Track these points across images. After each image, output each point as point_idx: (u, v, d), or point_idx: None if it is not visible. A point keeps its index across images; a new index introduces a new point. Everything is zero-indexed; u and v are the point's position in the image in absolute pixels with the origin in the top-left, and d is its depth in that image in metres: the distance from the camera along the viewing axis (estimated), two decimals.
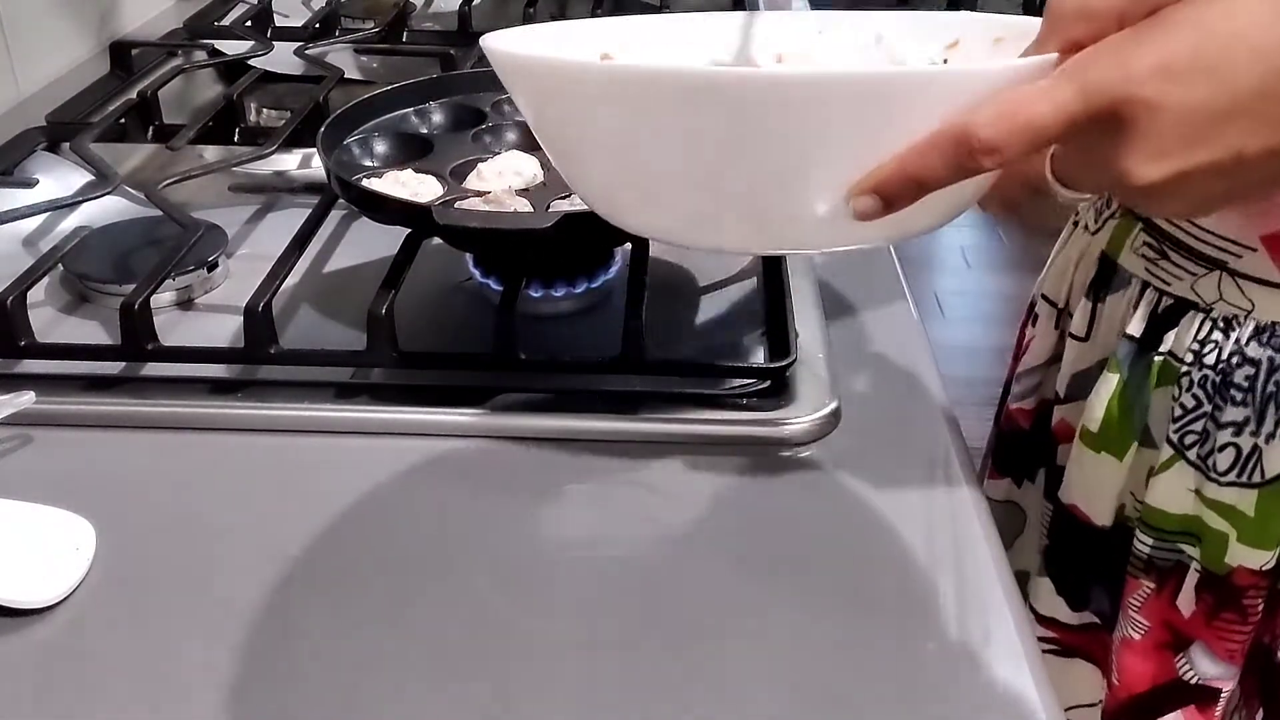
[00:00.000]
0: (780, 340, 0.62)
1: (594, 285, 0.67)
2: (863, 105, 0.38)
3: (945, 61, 0.52)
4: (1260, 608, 0.62)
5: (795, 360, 0.60)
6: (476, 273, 0.67)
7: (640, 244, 0.65)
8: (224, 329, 0.65)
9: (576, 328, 0.67)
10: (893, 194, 0.39)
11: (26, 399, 0.55)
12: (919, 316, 0.70)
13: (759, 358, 0.63)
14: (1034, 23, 0.45)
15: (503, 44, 0.45)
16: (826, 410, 0.58)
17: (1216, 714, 0.65)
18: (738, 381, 0.60)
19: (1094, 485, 0.65)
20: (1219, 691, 0.64)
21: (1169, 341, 0.60)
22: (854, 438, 0.58)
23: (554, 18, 1.22)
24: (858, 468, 0.56)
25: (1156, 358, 0.61)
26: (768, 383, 0.59)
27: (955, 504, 0.54)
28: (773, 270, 0.68)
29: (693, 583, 0.49)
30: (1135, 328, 0.62)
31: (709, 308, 0.69)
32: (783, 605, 0.48)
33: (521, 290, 0.62)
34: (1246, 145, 0.37)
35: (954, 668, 0.45)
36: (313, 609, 0.47)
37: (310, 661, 0.45)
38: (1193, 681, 0.64)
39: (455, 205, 0.63)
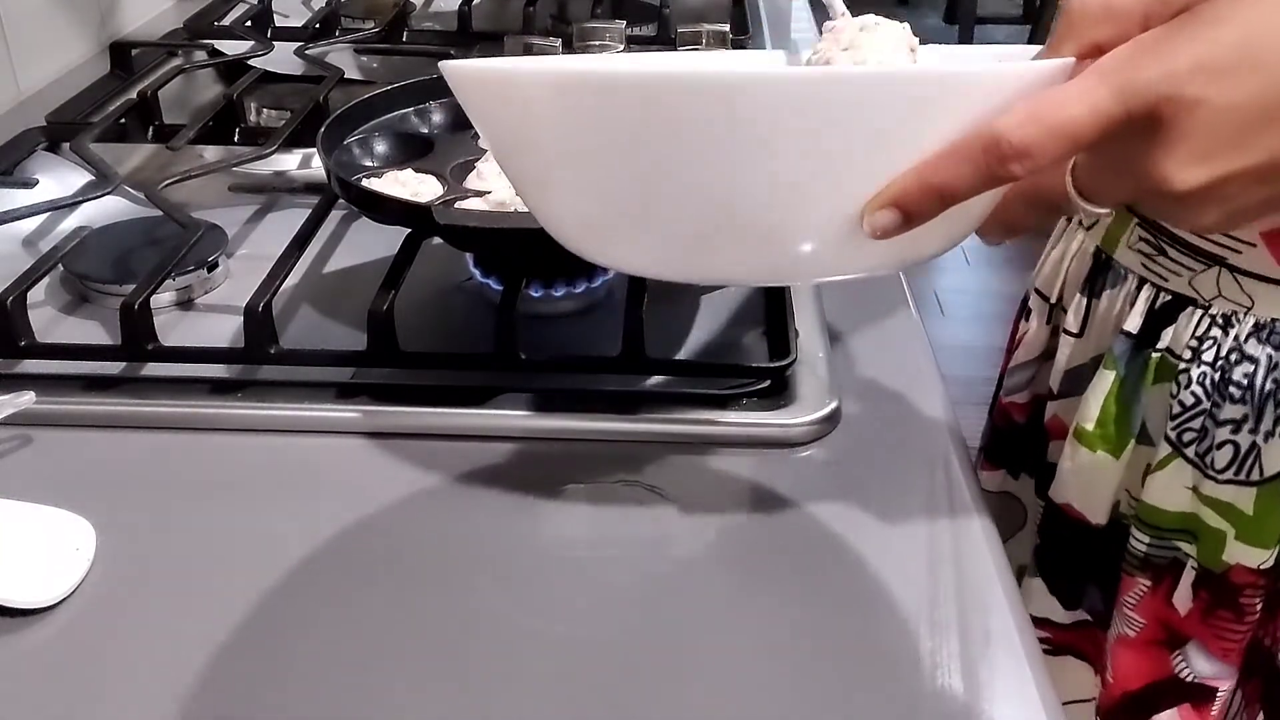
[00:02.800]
0: (780, 340, 0.62)
1: (594, 285, 0.67)
2: (876, 107, 0.35)
3: None
4: (1258, 606, 0.61)
5: (795, 360, 0.60)
6: (476, 273, 0.67)
7: None
8: (224, 329, 0.65)
9: (576, 328, 0.67)
10: (914, 207, 0.35)
11: (26, 399, 0.55)
12: (919, 316, 0.70)
13: (759, 358, 0.63)
14: (1030, 51, 0.44)
15: (461, 66, 0.41)
16: (826, 410, 0.58)
17: (1213, 713, 0.64)
18: (738, 381, 0.60)
19: (1089, 483, 0.65)
20: (1215, 690, 0.64)
21: (1167, 338, 0.60)
22: (854, 438, 0.58)
23: (554, 18, 1.22)
24: (858, 468, 0.56)
25: (1154, 354, 0.61)
26: (768, 383, 0.59)
27: (955, 504, 0.54)
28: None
29: (692, 583, 0.49)
30: (1133, 324, 0.61)
31: (709, 307, 0.69)
32: (783, 605, 0.48)
33: (521, 290, 0.62)
34: None
35: (954, 667, 0.45)
36: (312, 609, 0.47)
37: (310, 661, 0.45)
38: (1188, 679, 0.64)
39: (455, 205, 0.63)
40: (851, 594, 0.48)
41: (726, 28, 1.05)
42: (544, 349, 0.61)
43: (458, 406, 0.58)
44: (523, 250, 0.63)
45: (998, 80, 0.36)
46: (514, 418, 0.58)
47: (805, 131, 0.35)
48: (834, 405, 0.58)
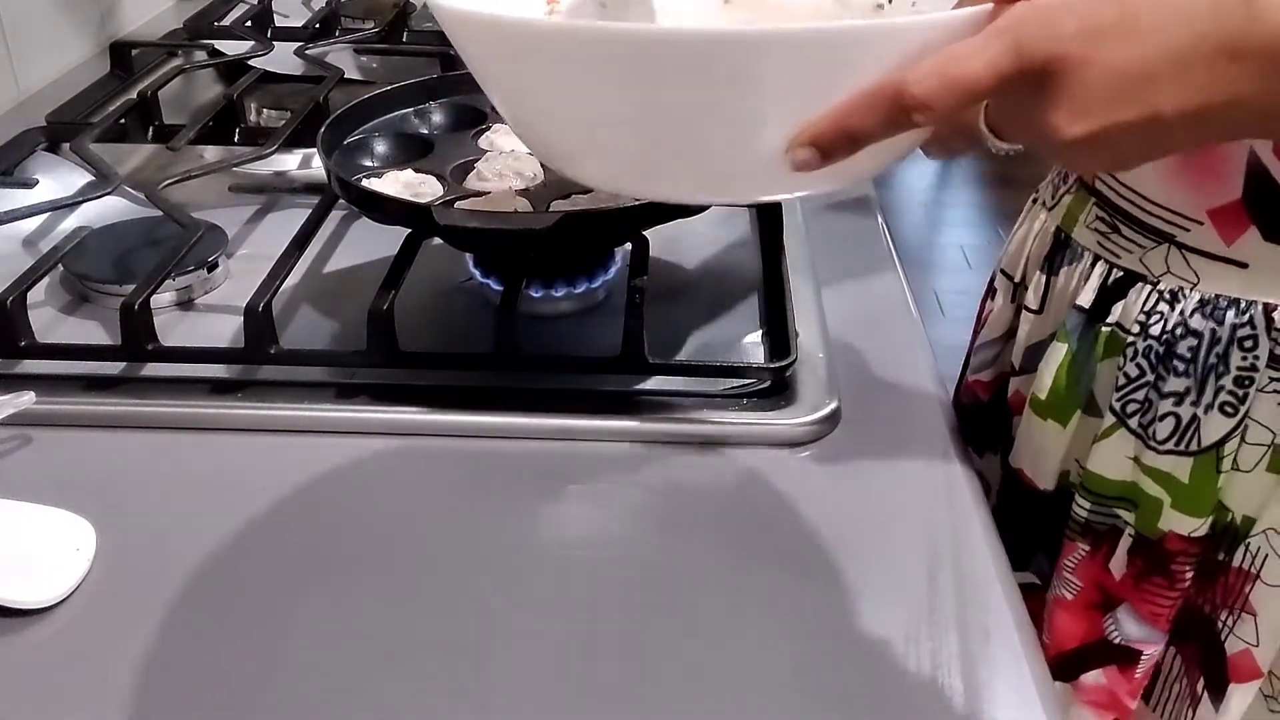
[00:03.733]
0: (780, 340, 0.62)
1: (594, 285, 0.67)
2: (800, 61, 0.40)
3: (890, 2, 0.52)
4: (1188, 575, 0.63)
5: (795, 360, 0.60)
6: (476, 273, 0.67)
7: (640, 244, 0.65)
8: (224, 329, 0.65)
9: (576, 328, 0.67)
10: (829, 147, 0.40)
11: (26, 399, 0.55)
12: (919, 316, 0.70)
13: (759, 358, 0.63)
14: None
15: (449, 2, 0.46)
16: (826, 410, 0.58)
17: (1137, 675, 0.66)
18: (738, 381, 0.60)
19: (1039, 451, 0.67)
20: (1140, 653, 0.66)
21: (1117, 312, 0.62)
22: (854, 438, 0.58)
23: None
24: (858, 467, 0.56)
25: (1104, 328, 0.62)
26: (768, 383, 0.59)
27: (954, 503, 0.54)
28: (773, 270, 0.68)
29: (692, 582, 0.49)
30: (1085, 299, 0.63)
31: (709, 308, 0.69)
32: (783, 604, 0.48)
33: (521, 290, 0.62)
34: (1163, 107, 0.38)
35: (954, 667, 0.45)
36: (312, 608, 0.47)
37: (310, 660, 0.45)
38: (1116, 642, 0.66)
39: (455, 205, 0.63)
40: (851, 593, 0.48)
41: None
42: (544, 349, 0.61)
43: (458, 406, 0.58)
44: (523, 250, 0.63)
45: (919, 32, 0.40)
46: (514, 418, 0.58)
47: (747, 81, 0.40)
48: (834, 405, 0.58)
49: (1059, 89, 0.38)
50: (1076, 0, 0.39)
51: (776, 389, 0.59)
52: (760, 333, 0.65)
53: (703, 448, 0.57)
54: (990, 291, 0.76)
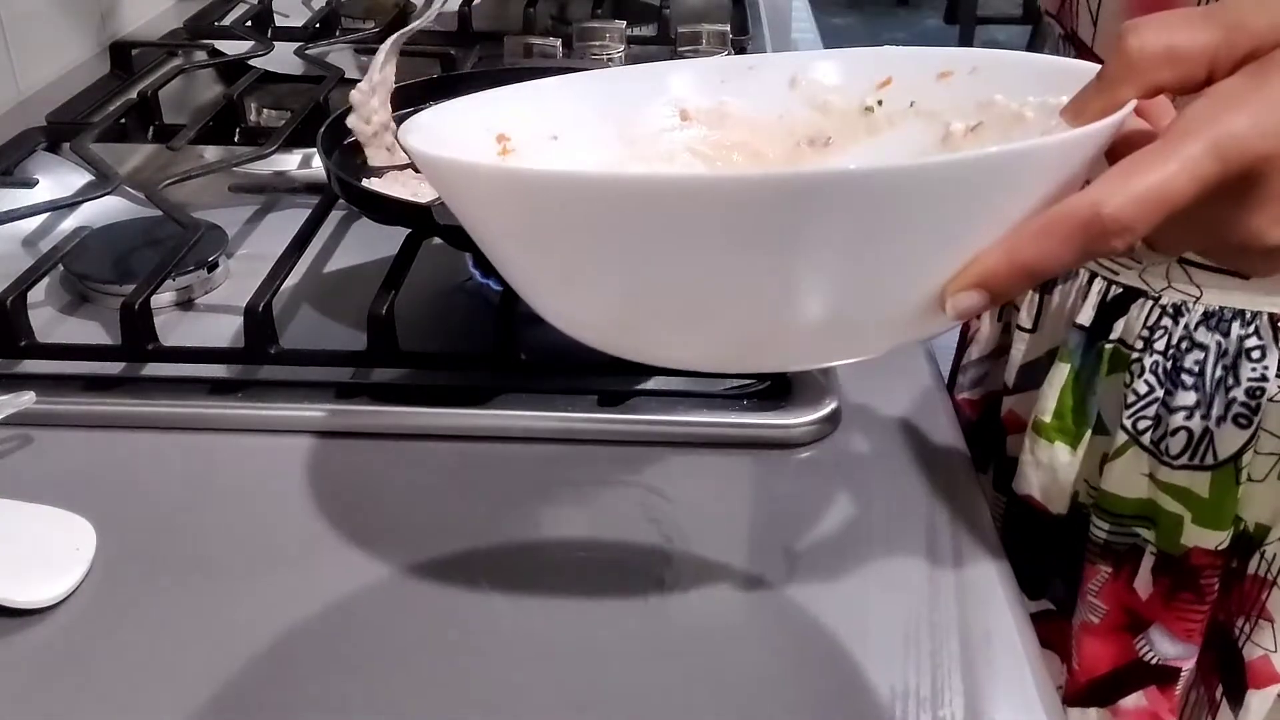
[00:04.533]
0: None
1: None
2: (949, 196, 0.32)
3: (879, 103, 0.45)
4: (1216, 587, 0.63)
5: None
6: (476, 273, 0.67)
7: None
8: (224, 329, 0.65)
9: None
10: (1001, 287, 0.33)
11: (26, 399, 0.55)
12: None
13: None
14: (982, 55, 0.43)
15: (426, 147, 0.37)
16: (826, 410, 0.58)
17: (1177, 693, 0.66)
18: (738, 381, 0.60)
19: (1049, 474, 0.66)
20: (1179, 671, 0.65)
21: (1119, 329, 0.61)
22: (854, 438, 0.58)
23: (554, 18, 1.22)
24: (858, 468, 0.56)
25: (1107, 346, 0.62)
26: (768, 383, 0.59)
27: (955, 504, 0.54)
28: None
29: (692, 583, 0.49)
30: (1085, 317, 0.63)
31: None
32: (782, 605, 0.48)
33: None
34: None
35: (954, 667, 0.45)
36: (311, 609, 0.47)
37: (309, 660, 0.45)
38: (1153, 662, 0.66)
39: None
40: (851, 593, 0.48)
41: (726, 28, 1.05)
42: (544, 349, 0.61)
43: (458, 406, 0.58)
44: None
45: (1078, 148, 0.34)
46: (514, 418, 0.58)
47: (883, 228, 0.32)
48: (834, 405, 0.58)
49: (1264, 191, 0.34)
50: (1269, 89, 0.33)
51: (776, 389, 0.59)
52: None
53: (703, 448, 0.57)
54: None
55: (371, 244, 0.73)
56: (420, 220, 0.60)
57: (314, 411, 0.58)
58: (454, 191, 0.38)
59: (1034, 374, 0.67)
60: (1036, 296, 0.67)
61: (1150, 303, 0.60)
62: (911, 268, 0.34)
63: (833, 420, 0.58)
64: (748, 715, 0.43)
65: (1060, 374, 0.64)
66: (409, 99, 0.74)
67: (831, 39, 1.10)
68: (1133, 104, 0.35)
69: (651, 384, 0.60)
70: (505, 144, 0.45)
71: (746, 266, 0.33)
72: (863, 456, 0.57)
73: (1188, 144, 0.33)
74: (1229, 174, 0.33)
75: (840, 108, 0.46)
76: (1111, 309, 0.62)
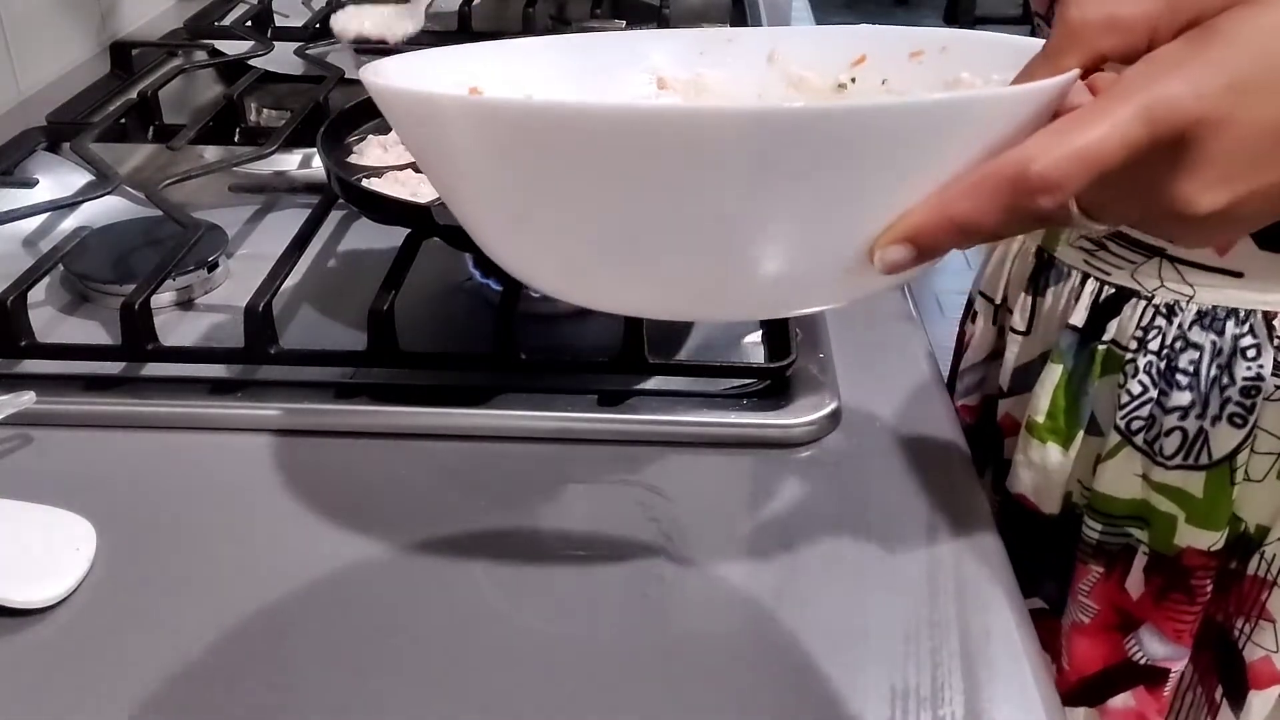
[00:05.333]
0: (780, 340, 0.62)
1: None
2: (884, 139, 0.33)
3: (853, 80, 0.46)
4: (1209, 588, 0.63)
5: (795, 360, 0.60)
6: (476, 273, 0.67)
7: None
8: (224, 329, 0.65)
9: (576, 328, 0.67)
10: (929, 241, 0.34)
11: (26, 399, 0.55)
12: (919, 316, 0.70)
13: (759, 358, 0.63)
14: (954, 34, 0.44)
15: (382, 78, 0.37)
16: (826, 410, 0.58)
17: (1165, 693, 0.65)
18: (738, 381, 0.60)
19: (1042, 474, 0.66)
20: (1168, 671, 0.65)
21: (1112, 330, 0.61)
22: (854, 438, 0.58)
23: (554, 18, 1.22)
24: (858, 468, 0.56)
25: (1100, 346, 0.62)
26: (768, 383, 0.59)
27: (955, 503, 0.54)
28: None
29: (692, 582, 0.49)
30: (1078, 318, 0.63)
31: None
32: (782, 604, 0.48)
33: (521, 290, 0.62)
34: None
35: (954, 667, 0.45)
36: (311, 609, 0.47)
37: (309, 660, 0.45)
38: (1142, 662, 0.66)
39: None
40: (851, 593, 0.48)
41: (726, 28, 1.05)
42: (544, 349, 0.61)
43: (458, 406, 0.58)
44: None
45: (1013, 103, 0.34)
46: (514, 418, 0.58)
47: (808, 167, 0.33)
48: (834, 405, 0.58)
49: (1196, 156, 0.33)
50: (1209, 54, 0.33)
51: (776, 389, 0.59)
52: (760, 333, 0.65)
53: (703, 448, 0.57)
54: (970, 314, 0.75)
55: (371, 244, 0.73)
56: (420, 220, 0.60)
57: (314, 411, 0.58)
58: (408, 124, 0.37)
59: (1028, 376, 0.67)
60: (1029, 299, 0.67)
61: (1144, 303, 0.60)
62: (844, 214, 0.34)
63: (833, 420, 0.58)
64: (748, 714, 0.43)
65: (1053, 375, 0.64)
66: None
67: None
68: (1075, 72, 0.35)
69: (651, 384, 0.60)
70: (476, 95, 0.45)
71: (684, 201, 0.34)
72: (863, 456, 0.57)
73: (1119, 106, 0.33)
74: (1159, 137, 0.33)
75: (815, 84, 0.46)
76: (1104, 310, 0.62)
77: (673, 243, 0.35)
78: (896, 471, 0.56)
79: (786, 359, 0.59)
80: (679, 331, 0.66)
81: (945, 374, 0.65)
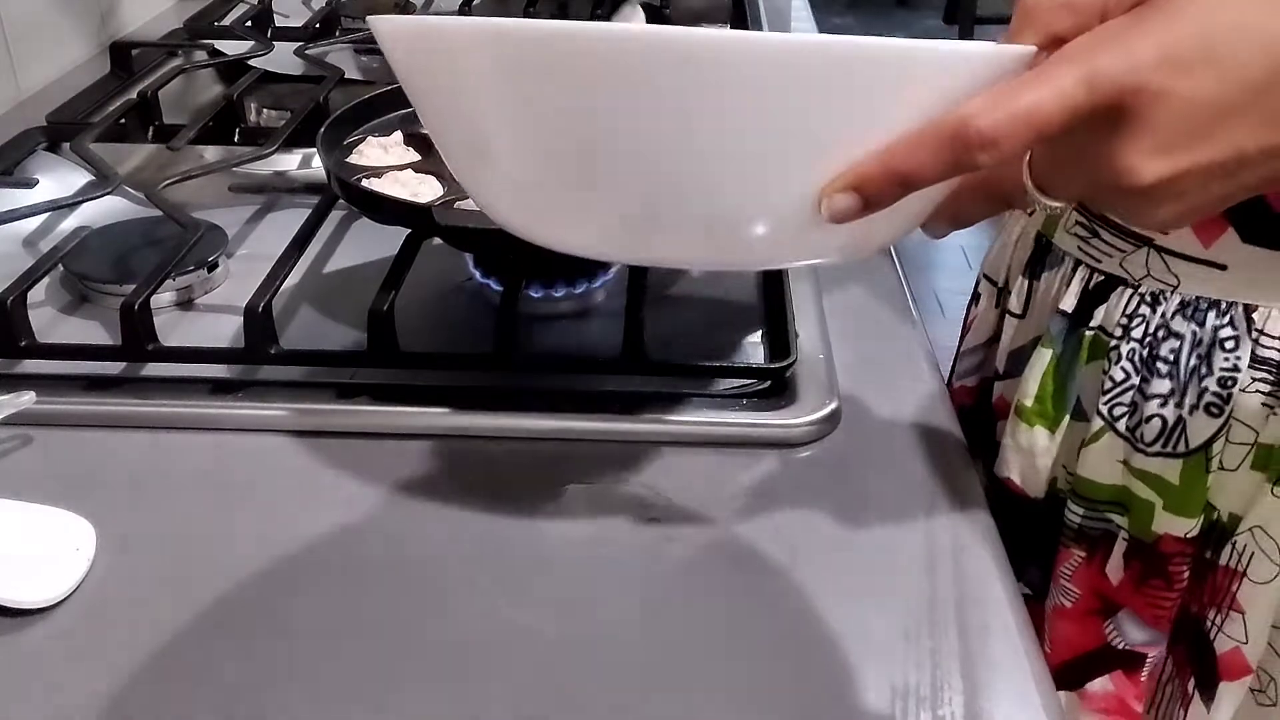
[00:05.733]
0: (780, 340, 0.62)
1: (594, 285, 0.67)
2: (837, 80, 0.33)
3: None
4: (1185, 575, 0.63)
5: (795, 360, 0.60)
6: (476, 273, 0.67)
7: None
8: (224, 329, 0.65)
9: (576, 328, 0.67)
10: (874, 192, 0.35)
11: (26, 399, 0.55)
12: (919, 316, 0.70)
13: (759, 358, 0.63)
14: (919, 45, 0.45)
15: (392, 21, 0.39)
16: (826, 410, 0.58)
17: (1142, 678, 0.66)
18: (738, 381, 0.60)
19: (1028, 458, 0.66)
20: (1144, 657, 0.66)
21: (1099, 316, 0.62)
22: (854, 438, 0.58)
23: (554, 18, 1.22)
24: (858, 468, 0.56)
25: (1088, 332, 0.62)
26: (768, 383, 0.59)
27: (954, 503, 0.54)
28: (773, 271, 0.68)
29: (692, 582, 0.49)
30: (1068, 303, 0.63)
31: (709, 308, 0.69)
32: (782, 603, 0.48)
33: (521, 290, 0.62)
34: (1246, 143, 0.35)
35: (954, 665, 0.45)
36: (312, 609, 0.47)
37: (309, 661, 0.45)
38: (1120, 647, 0.66)
39: (455, 205, 0.63)
40: (851, 592, 0.48)
41: (727, 28, 1.05)
42: (544, 349, 0.61)
43: (458, 406, 0.58)
44: (523, 251, 0.63)
45: (965, 60, 0.35)
46: (514, 418, 0.58)
47: (760, 97, 0.33)
48: (834, 405, 0.58)
49: (1136, 124, 0.35)
50: (1149, 26, 0.35)
51: (776, 389, 0.59)
52: (760, 333, 0.65)
53: (703, 448, 0.57)
54: (975, 296, 0.76)
55: (371, 244, 0.73)
56: (420, 220, 0.60)
57: (314, 412, 0.58)
58: (393, 54, 0.39)
59: (1022, 359, 0.67)
60: (1026, 283, 0.67)
61: (1130, 291, 0.60)
62: (791, 156, 0.35)
63: (833, 420, 0.58)
64: (747, 714, 0.43)
65: (1042, 359, 0.64)
66: (409, 99, 0.74)
67: None
68: (1032, 49, 0.36)
69: (651, 384, 0.60)
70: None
71: (634, 128, 0.35)
72: (863, 456, 0.57)
73: (1061, 71, 0.34)
74: (1098, 103, 0.34)
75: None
76: (1093, 296, 0.62)
77: (622, 167, 0.36)
78: (896, 472, 0.56)
79: (786, 359, 0.60)
80: (679, 332, 0.66)
81: (946, 374, 0.65)
